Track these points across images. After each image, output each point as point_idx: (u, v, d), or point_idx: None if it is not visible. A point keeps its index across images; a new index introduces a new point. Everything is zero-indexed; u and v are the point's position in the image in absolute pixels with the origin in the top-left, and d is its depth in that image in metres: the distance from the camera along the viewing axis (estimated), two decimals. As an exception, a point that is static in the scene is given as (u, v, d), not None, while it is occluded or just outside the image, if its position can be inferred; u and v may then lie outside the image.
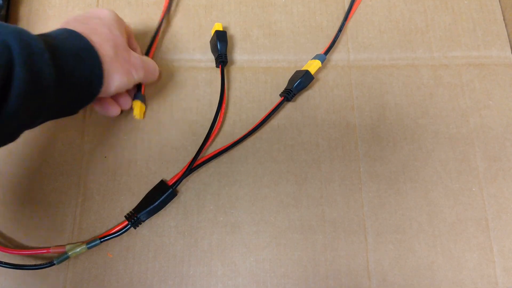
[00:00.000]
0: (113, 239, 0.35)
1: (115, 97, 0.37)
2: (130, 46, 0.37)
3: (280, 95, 0.40)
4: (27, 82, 0.23)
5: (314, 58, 0.40)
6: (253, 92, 0.41)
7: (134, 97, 0.39)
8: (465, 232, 0.36)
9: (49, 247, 0.35)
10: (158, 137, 0.39)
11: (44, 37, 0.27)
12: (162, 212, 0.36)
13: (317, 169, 0.38)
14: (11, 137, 0.26)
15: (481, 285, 0.35)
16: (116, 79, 0.31)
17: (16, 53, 0.23)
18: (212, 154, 0.38)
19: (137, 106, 0.38)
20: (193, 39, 0.43)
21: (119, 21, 0.34)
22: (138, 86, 0.39)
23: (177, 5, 0.44)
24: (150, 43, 0.41)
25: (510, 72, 0.42)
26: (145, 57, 0.36)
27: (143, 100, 0.39)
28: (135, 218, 0.35)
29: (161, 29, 0.42)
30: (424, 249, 0.36)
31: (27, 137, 0.39)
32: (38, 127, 0.39)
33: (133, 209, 0.36)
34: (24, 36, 0.24)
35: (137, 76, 0.34)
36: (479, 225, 0.37)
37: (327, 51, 0.41)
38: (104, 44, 0.30)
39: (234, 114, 0.40)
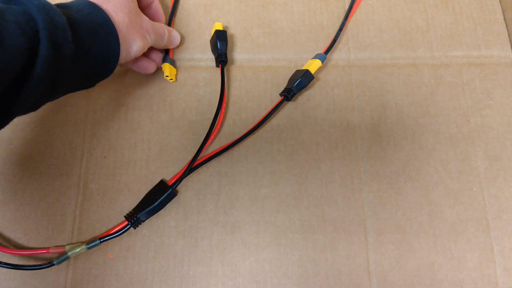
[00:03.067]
0: (113, 239, 0.35)
1: (147, 53, 0.40)
2: (154, 10, 0.40)
3: (280, 94, 0.40)
4: (50, 53, 0.25)
5: (315, 57, 0.40)
6: (253, 92, 0.41)
7: (164, 60, 0.40)
8: (466, 232, 0.36)
9: (48, 248, 0.35)
10: (158, 137, 0.39)
11: (66, 10, 0.28)
12: (162, 212, 0.36)
13: (317, 169, 0.38)
14: (34, 106, 0.28)
15: (482, 285, 0.35)
16: (134, 45, 0.33)
17: (41, 27, 0.24)
18: (212, 154, 0.37)
19: (167, 68, 0.40)
20: (193, 38, 0.43)
21: None
22: (166, 50, 0.41)
23: (177, 4, 0.44)
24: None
25: (510, 72, 0.41)
26: (154, 22, 0.37)
27: (173, 63, 0.41)
28: (135, 218, 0.35)
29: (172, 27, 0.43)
30: (424, 249, 0.36)
31: (27, 137, 0.39)
32: (38, 127, 0.39)
33: (133, 209, 0.36)
34: (50, 12, 0.26)
35: (150, 40, 0.35)
36: (479, 225, 0.37)
37: (328, 51, 0.41)
38: (119, 11, 0.31)
39: (234, 113, 0.40)
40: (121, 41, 0.31)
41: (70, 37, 0.26)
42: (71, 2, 0.30)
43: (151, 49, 0.39)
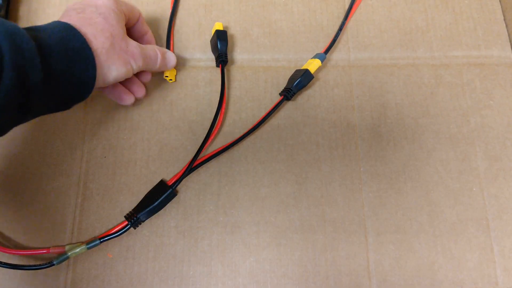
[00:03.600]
0: (113, 239, 0.35)
1: (128, 85, 0.38)
2: (140, 30, 0.37)
3: (280, 94, 0.40)
4: (14, 82, 0.24)
5: (314, 57, 0.40)
6: (253, 91, 0.41)
7: None
8: (466, 232, 0.36)
9: (48, 248, 0.35)
10: (158, 137, 0.39)
11: (38, 33, 0.27)
12: (162, 212, 0.36)
13: (317, 169, 0.38)
14: (1, 131, 0.27)
15: (482, 285, 0.35)
16: (113, 70, 0.31)
17: (7, 56, 0.23)
18: (212, 154, 0.37)
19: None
20: (193, 38, 0.43)
21: (117, 8, 0.33)
22: (167, 47, 0.41)
23: (177, 4, 0.44)
24: (167, 39, 0.42)
25: (510, 72, 0.41)
26: (145, 45, 0.35)
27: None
28: (135, 218, 0.35)
29: (173, 27, 0.43)
30: (424, 249, 0.36)
31: (27, 137, 0.39)
32: (38, 127, 0.39)
33: (133, 209, 0.36)
34: (17, 38, 0.24)
35: (136, 65, 0.33)
36: (479, 225, 0.37)
37: (327, 50, 0.41)
38: (99, 35, 0.30)
39: (234, 113, 0.40)
40: (98, 66, 0.30)
41: (39, 64, 0.25)
42: (46, 25, 0.29)
43: (133, 81, 0.38)
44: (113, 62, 0.31)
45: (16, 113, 0.26)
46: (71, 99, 0.30)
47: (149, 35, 0.39)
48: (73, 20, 0.30)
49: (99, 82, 0.31)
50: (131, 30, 0.37)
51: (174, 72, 0.41)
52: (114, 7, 0.33)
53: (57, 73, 0.27)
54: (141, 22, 0.37)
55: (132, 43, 0.33)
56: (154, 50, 0.36)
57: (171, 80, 0.40)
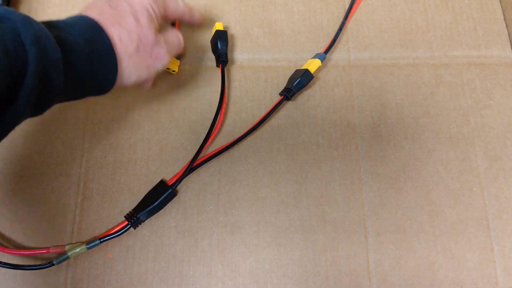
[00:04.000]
0: (113, 239, 0.35)
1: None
2: (180, 17, 0.36)
3: (280, 94, 0.40)
4: (35, 89, 0.24)
5: (314, 57, 0.40)
6: (253, 91, 0.41)
7: None
8: (466, 232, 0.36)
9: (48, 247, 0.35)
10: (158, 137, 0.39)
11: (64, 33, 0.26)
12: (162, 212, 0.36)
13: (317, 169, 0.38)
14: (16, 124, 0.26)
15: (482, 285, 0.35)
16: (133, 75, 0.30)
17: (33, 64, 0.23)
18: (212, 154, 0.37)
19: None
20: (193, 38, 0.43)
21: (153, 7, 0.31)
22: None
23: (177, 4, 0.44)
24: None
25: (510, 72, 0.41)
26: (171, 39, 0.34)
27: (176, 55, 0.40)
28: (135, 218, 0.35)
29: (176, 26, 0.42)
30: (424, 249, 0.36)
31: (27, 137, 0.39)
32: (38, 127, 0.39)
33: (133, 209, 0.36)
34: (45, 45, 0.24)
35: (161, 66, 0.33)
36: (479, 225, 0.37)
37: (327, 50, 0.41)
38: (126, 38, 0.29)
39: (234, 113, 0.40)
40: (120, 71, 0.29)
41: (62, 70, 0.25)
42: (73, 19, 0.28)
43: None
44: (134, 68, 0.30)
45: (34, 110, 0.26)
46: (86, 95, 0.30)
47: (187, 13, 0.37)
48: (104, 16, 0.28)
49: (117, 85, 0.30)
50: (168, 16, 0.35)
51: (177, 63, 0.40)
52: (152, 4, 0.31)
53: (78, 76, 0.27)
54: (186, 13, 0.36)
55: (159, 42, 0.32)
56: (177, 37, 0.35)
57: (173, 71, 0.40)
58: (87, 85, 0.29)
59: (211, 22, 0.43)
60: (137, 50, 0.30)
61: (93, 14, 0.28)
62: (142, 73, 0.31)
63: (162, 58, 0.32)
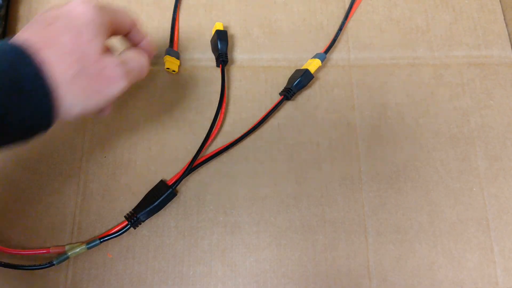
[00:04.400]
0: (113, 239, 0.35)
1: None
2: (134, 39, 0.31)
3: (280, 94, 0.40)
4: None
5: (314, 57, 0.40)
6: (253, 91, 0.41)
7: (164, 53, 0.40)
8: (466, 232, 0.36)
9: (48, 247, 0.35)
10: (158, 137, 0.39)
11: None
12: (162, 212, 0.36)
13: (318, 169, 0.38)
14: None
15: (482, 285, 0.35)
16: (78, 104, 0.25)
17: None
18: (212, 154, 0.37)
19: (167, 61, 0.39)
20: (193, 38, 0.43)
21: (100, 19, 0.26)
22: (170, 43, 0.41)
23: (178, 4, 0.44)
24: (170, 38, 0.42)
25: (510, 72, 0.41)
26: (131, 59, 0.29)
27: (176, 55, 0.40)
28: (135, 218, 0.35)
29: (176, 26, 0.43)
30: (424, 249, 0.36)
31: (27, 137, 0.39)
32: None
33: (133, 209, 0.36)
34: None
35: (116, 91, 0.27)
36: (479, 225, 0.37)
37: (327, 50, 0.41)
38: (63, 59, 0.24)
39: (234, 113, 0.40)
40: (57, 102, 0.23)
41: None
42: None
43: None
44: (77, 94, 0.25)
45: None
46: (23, 138, 0.24)
47: (145, 43, 0.32)
48: (36, 37, 0.24)
49: (61, 116, 0.25)
50: (125, 38, 0.31)
51: (177, 62, 0.41)
52: (96, 17, 0.26)
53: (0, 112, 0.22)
54: (135, 31, 0.31)
55: (113, 62, 0.26)
56: (139, 58, 0.29)
57: (174, 71, 0.40)
58: (15, 124, 0.23)
59: (211, 22, 0.43)
60: (82, 71, 0.24)
61: (26, 35, 0.24)
62: (90, 100, 0.25)
63: (116, 81, 0.26)
